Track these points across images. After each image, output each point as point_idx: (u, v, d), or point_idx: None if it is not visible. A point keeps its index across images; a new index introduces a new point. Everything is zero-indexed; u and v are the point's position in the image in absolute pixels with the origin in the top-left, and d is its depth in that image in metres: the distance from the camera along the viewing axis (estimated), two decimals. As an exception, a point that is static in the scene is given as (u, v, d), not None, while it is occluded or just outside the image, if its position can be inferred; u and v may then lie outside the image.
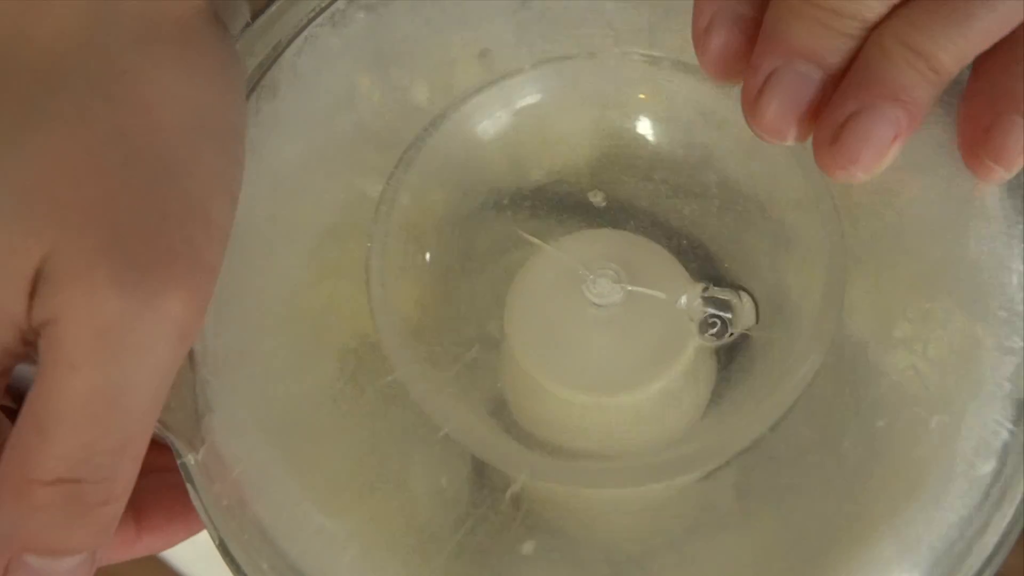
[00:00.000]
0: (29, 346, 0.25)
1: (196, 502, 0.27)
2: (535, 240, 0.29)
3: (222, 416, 0.27)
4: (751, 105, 0.25)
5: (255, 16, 0.31)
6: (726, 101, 0.29)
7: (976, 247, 0.28)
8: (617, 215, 0.30)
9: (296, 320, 0.29)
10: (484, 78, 0.30)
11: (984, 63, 0.26)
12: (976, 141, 0.26)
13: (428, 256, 0.30)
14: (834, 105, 0.25)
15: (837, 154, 0.25)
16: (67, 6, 0.26)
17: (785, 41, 0.25)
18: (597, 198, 0.30)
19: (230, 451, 0.27)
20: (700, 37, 0.26)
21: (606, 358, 0.28)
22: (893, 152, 0.25)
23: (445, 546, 0.27)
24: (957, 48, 0.25)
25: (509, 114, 0.30)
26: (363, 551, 0.27)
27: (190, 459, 0.27)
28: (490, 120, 0.30)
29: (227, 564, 0.27)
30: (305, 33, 0.31)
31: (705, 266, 0.29)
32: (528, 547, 0.27)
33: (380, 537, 0.27)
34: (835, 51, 0.25)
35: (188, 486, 0.27)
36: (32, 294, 0.24)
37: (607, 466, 0.28)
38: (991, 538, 0.26)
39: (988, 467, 0.27)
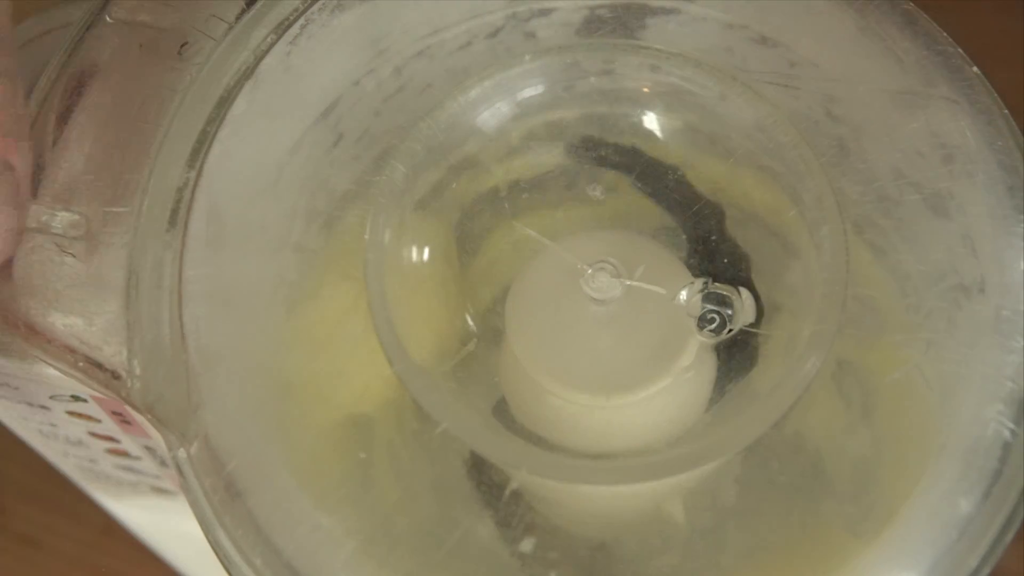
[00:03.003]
0: None
1: (188, 496, 0.27)
2: (534, 234, 0.29)
3: (216, 410, 0.27)
4: None
5: (250, 3, 0.30)
6: (731, 95, 0.28)
7: (978, 246, 0.28)
8: (616, 208, 0.30)
9: (291, 312, 0.28)
10: (484, 69, 0.29)
11: None
12: None
13: (427, 250, 0.29)
14: None
15: None
16: None
17: None
18: (596, 191, 0.30)
19: (224, 445, 0.27)
20: None
21: (606, 358, 0.28)
22: None
23: (443, 544, 0.27)
24: None
25: (510, 105, 0.30)
26: (359, 548, 0.26)
27: (182, 453, 0.27)
28: (490, 112, 0.30)
29: (219, 560, 0.27)
30: (300, 21, 0.30)
31: (705, 262, 0.29)
32: (527, 545, 0.27)
33: (377, 534, 0.27)
34: None
35: (180, 480, 0.27)
36: None
37: (606, 463, 0.27)
38: (991, 539, 0.26)
39: (989, 467, 0.26)
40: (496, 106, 0.29)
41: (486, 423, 0.28)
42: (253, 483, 0.27)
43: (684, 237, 0.30)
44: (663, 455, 0.27)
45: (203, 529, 0.27)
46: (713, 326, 0.28)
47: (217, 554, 0.27)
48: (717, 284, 0.28)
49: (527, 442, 0.28)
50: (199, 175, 0.29)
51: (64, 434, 0.38)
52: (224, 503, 0.27)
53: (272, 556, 0.26)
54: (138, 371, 0.28)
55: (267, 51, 0.30)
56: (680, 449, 0.27)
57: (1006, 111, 0.28)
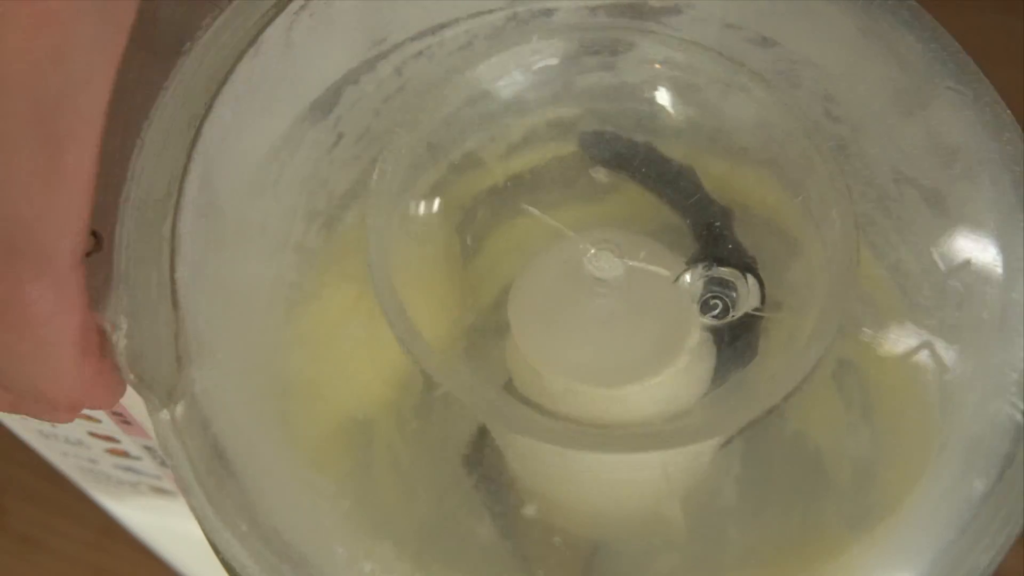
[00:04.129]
0: None
1: (171, 460, 0.26)
2: (537, 212, 0.29)
3: (203, 368, 0.26)
4: None
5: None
6: (734, 89, 0.28)
7: (979, 245, 0.28)
8: (618, 207, 0.30)
9: (291, 312, 0.28)
10: (483, 58, 0.29)
11: None
12: None
13: (429, 249, 0.29)
14: None
15: None
16: None
17: None
18: (598, 189, 0.30)
19: (211, 406, 0.26)
20: None
21: (609, 348, 0.28)
22: None
23: (443, 544, 0.27)
24: None
25: (511, 103, 0.30)
26: (359, 548, 0.26)
27: (165, 414, 0.26)
28: (491, 109, 0.29)
29: (200, 525, 0.26)
30: (297, 8, 0.30)
31: (710, 245, 0.29)
32: (527, 545, 0.27)
33: (367, 495, 0.27)
34: None
35: (163, 443, 0.26)
36: None
37: (610, 431, 0.27)
38: (992, 538, 0.26)
39: (990, 466, 0.26)
40: (497, 103, 0.29)
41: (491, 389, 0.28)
42: (240, 445, 0.26)
43: (687, 236, 0.30)
44: (667, 426, 0.27)
45: (185, 494, 0.26)
46: (716, 311, 0.28)
47: (218, 555, 0.27)
48: (721, 268, 0.28)
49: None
50: (199, 175, 0.29)
51: (64, 434, 0.38)
52: (210, 467, 0.26)
53: (258, 520, 0.26)
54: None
55: (265, 26, 0.29)
56: (683, 421, 0.27)
57: (1007, 110, 0.29)
